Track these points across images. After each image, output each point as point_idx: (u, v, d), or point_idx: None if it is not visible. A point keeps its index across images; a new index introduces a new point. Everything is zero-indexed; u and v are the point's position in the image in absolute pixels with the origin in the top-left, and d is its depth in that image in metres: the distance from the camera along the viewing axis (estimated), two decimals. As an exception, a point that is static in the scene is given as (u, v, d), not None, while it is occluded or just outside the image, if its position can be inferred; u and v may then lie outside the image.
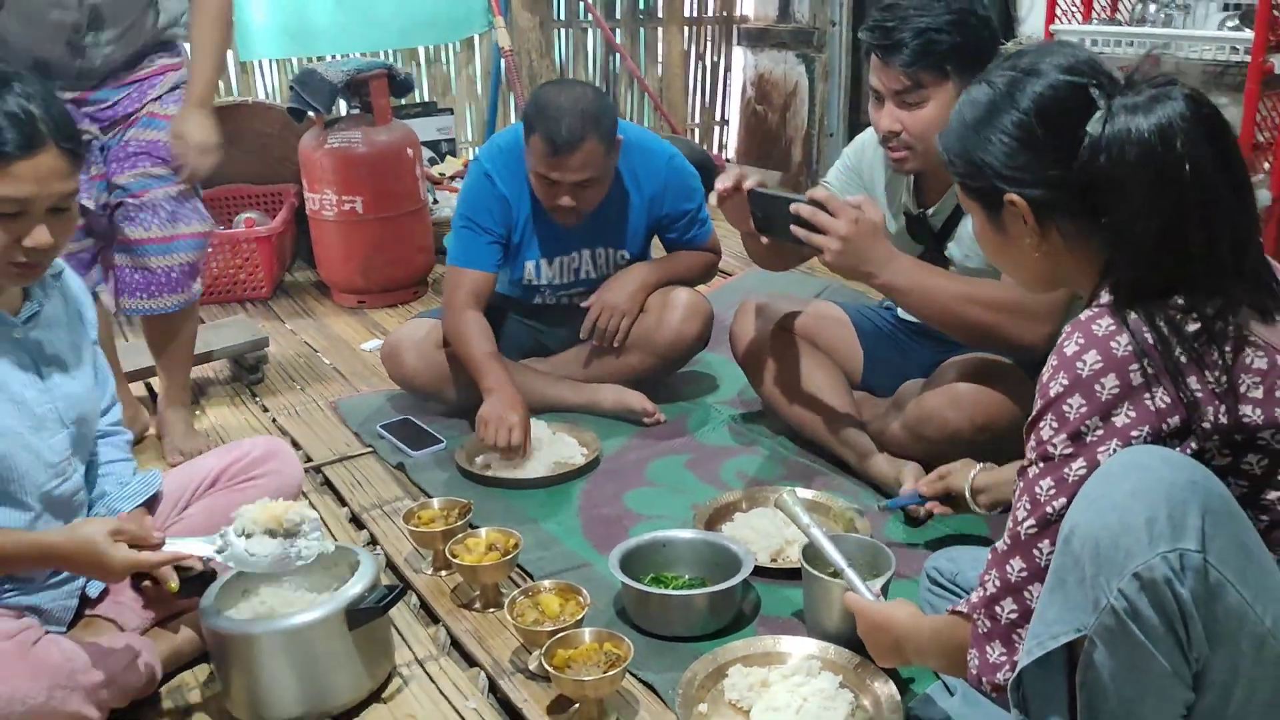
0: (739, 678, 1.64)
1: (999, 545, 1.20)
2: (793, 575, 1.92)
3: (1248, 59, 2.66)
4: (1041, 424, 1.17)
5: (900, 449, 2.23)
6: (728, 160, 5.71)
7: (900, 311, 2.42)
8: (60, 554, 1.53)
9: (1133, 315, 1.15)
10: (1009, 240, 1.30)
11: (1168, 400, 1.12)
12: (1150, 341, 1.13)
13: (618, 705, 1.64)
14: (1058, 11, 3.36)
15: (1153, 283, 1.16)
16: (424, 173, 3.91)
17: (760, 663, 1.67)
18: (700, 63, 5.70)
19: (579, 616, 1.72)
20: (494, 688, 1.74)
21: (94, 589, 1.76)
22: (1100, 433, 1.13)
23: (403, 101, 4.56)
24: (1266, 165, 2.85)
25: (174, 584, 1.67)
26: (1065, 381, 1.15)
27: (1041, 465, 1.17)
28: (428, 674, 1.76)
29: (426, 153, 4.38)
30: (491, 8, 4.74)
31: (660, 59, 5.52)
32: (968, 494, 1.86)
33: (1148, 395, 1.13)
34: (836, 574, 1.71)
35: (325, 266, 3.85)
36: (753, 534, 2.04)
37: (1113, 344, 1.14)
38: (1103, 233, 1.20)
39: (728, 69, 5.78)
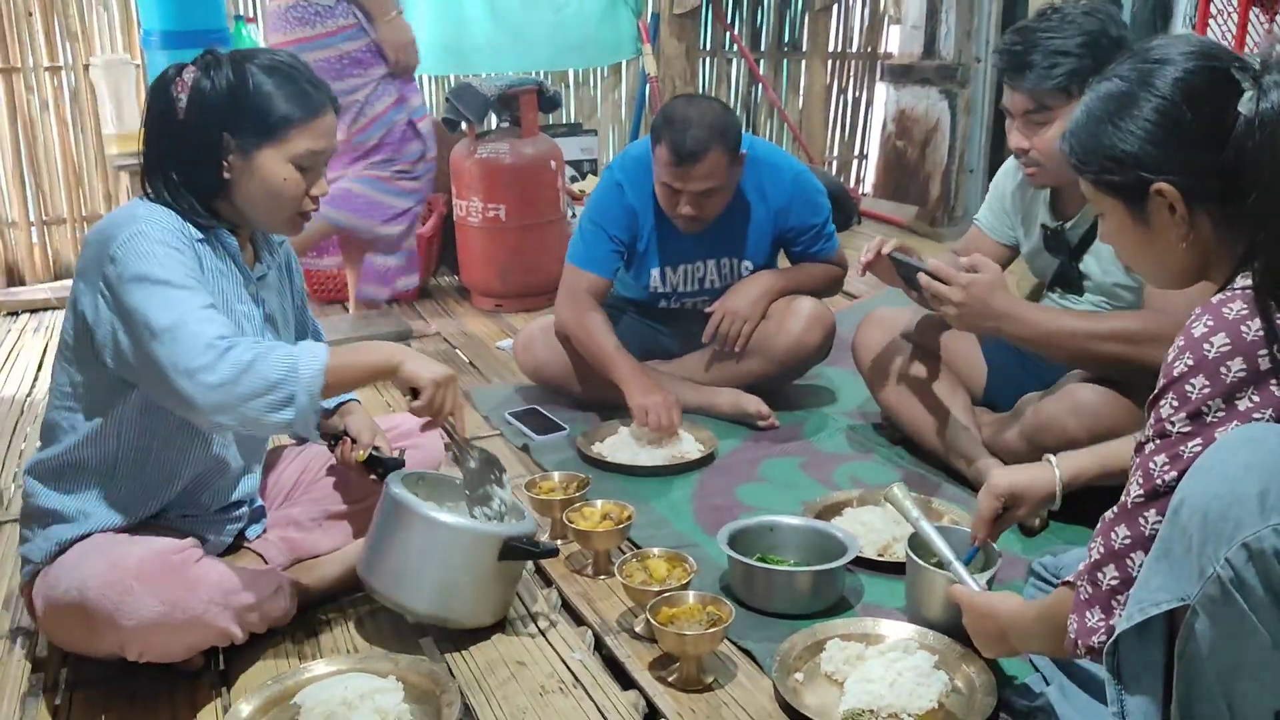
0: (836, 651, 1.68)
1: (1106, 515, 1.22)
2: (898, 570, 1.95)
3: None
4: (1162, 402, 1.18)
5: (1017, 459, 2.23)
6: (864, 195, 5.74)
7: None
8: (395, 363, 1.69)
9: (1269, 301, 1.14)
10: (1153, 235, 1.28)
11: None
12: None
13: (716, 668, 1.70)
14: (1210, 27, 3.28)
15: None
16: (565, 187, 4.09)
17: (858, 640, 1.71)
18: (842, 97, 5.75)
19: (685, 581, 1.79)
20: (599, 645, 1.82)
21: (252, 532, 1.93)
22: (1221, 414, 1.14)
23: (550, 120, 4.77)
24: None
25: (362, 454, 1.87)
26: (1190, 361, 1.15)
27: (1158, 442, 1.18)
28: (539, 628, 1.86)
29: (569, 171, 4.57)
30: (641, 35, 4.93)
31: (802, 91, 5.61)
32: (1059, 487, 1.70)
33: (1275, 382, 1.12)
34: (941, 565, 1.75)
35: (467, 270, 4.05)
36: (861, 529, 2.08)
37: (1243, 328, 1.13)
38: (1244, 219, 1.19)
39: (869, 104, 5.82)
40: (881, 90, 5.72)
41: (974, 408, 2.45)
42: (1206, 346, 1.15)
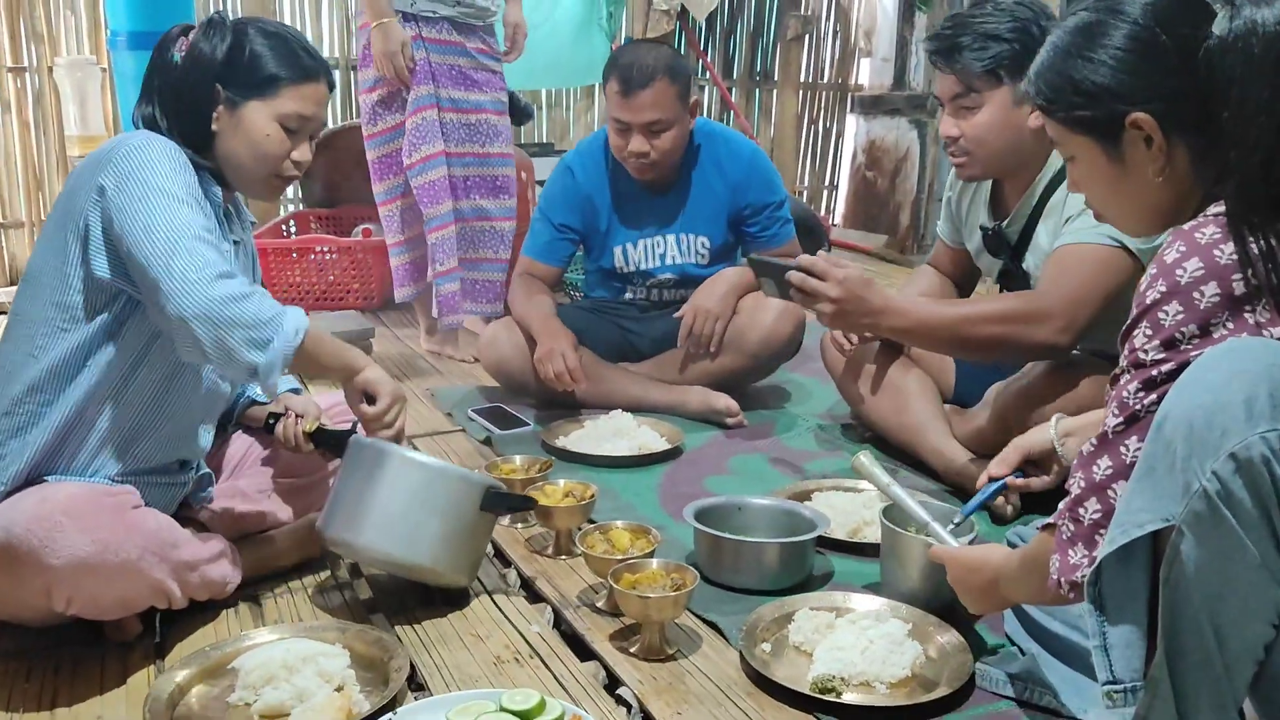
0: (805, 621, 1.61)
1: (1084, 448, 1.17)
2: (869, 551, 1.89)
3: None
4: (1135, 331, 1.13)
5: (988, 447, 2.19)
6: (834, 224, 5.76)
7: None
8: (361, 365, 1.70)
9: (1243, 225, 1.10)
10: (1127, 172, 1.23)
11: (1268, 315, 1.08)
12: (1257, 252, 1.08)
13: (680, 639, 1.63)
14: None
15: (1267, 195, 1.10)
16: (535, 203, 4.05)
17: (828, 611, 1.64)
18: (813, 127, 5.81)
19: (648, 551, 1.72)
20: (559, 622, 1.74)
21: (199, 499, 1.84)
22: (1196, 342, 1.09)
23: (522, 139, 4.76)
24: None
25: (311, 425, 1.81)
26: (1163, 288, 1.11)
27: (1133, 371, 1.14)
28: (496, 604, 1.78)
29: (540, 190, 4.54)
30: (613, 58, 4.95)
31: (773, 120, 5.65)
32: (1056, 442, 1.68)
33: (1249, 308, 1.08)
34: (917, 532, 1.70)
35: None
36: (831, 511, 2.02)
37: (1216, 251, 1.09)
38: (1219, 152, 1.15)
39: (840, 135, 5.88)
40: (852, 121, 5.77)
41: (945, 405, 2.41)
42: (1179, 272, 1.10)
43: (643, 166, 2.68)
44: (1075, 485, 1.17)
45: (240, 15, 3.63)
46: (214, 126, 1.68)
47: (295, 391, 1.97)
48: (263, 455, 1.97)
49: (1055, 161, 2.11)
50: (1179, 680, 1.08)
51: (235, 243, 1.79)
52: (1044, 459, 1.71)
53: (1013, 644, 1.58)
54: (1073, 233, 2.00)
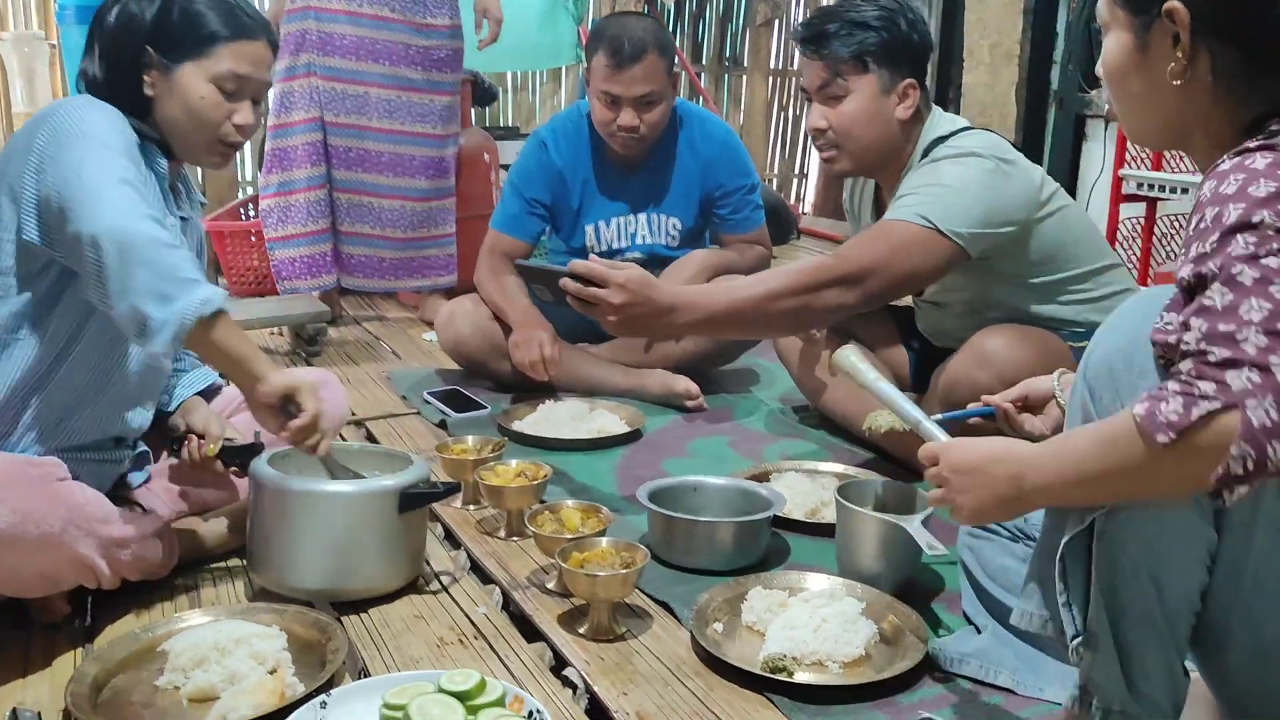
0: (757, 600, 1.57)
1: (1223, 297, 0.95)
2: (827, 532, 1.85)
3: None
4: (1231, 244, 0.96)
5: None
6: (804, 213, 5.73)
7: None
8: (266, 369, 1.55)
9: None
10: (1147, 65, 1.12)
11: None
12: None
13: (629, 619, 1.58)
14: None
15: None
16: (499, 185, 3.99)
17: (782, 589, 1.60)
18: (783, 114, 5.77)
19: (599, 531, 1.68)
20: (508, 604, 1.69)
21: (134, 478, 1.78)
22: None
23: (487, 121, 4.70)
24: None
25: (214, 447, 1.71)
26: (1241, 206, 0.97)
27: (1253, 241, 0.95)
28: (443, 586, 1.73)
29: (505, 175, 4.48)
30: (580, 41, 4.89)
31: (743, 106, 5.61)
32: (1056, 388, 1.54)
33: None
34: (875, 508, 1.66)
35: (395, 264, 3.92)
36: (790, 492, 1.98)
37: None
38: (1252, 75, 1.07)
39: (809, 122, 5.86)
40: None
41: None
42: (1254, 188, 0.97)
43: (630, 141, 2.63)
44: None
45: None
46: (149, 91, 1.62)
47: (215, 390, 1.89)
48: (203, 436, 1.90)
49: (916, 155, 2.09)
50: (1121, 637, 1.07)
51: (183, 219, 1.73)
52: (1039, 405, 1.58)
53: (970, 622, 1.55)
54: (893, 207, 1.99)
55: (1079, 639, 1.10)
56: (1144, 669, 1.08)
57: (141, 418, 1.74)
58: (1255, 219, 0.96)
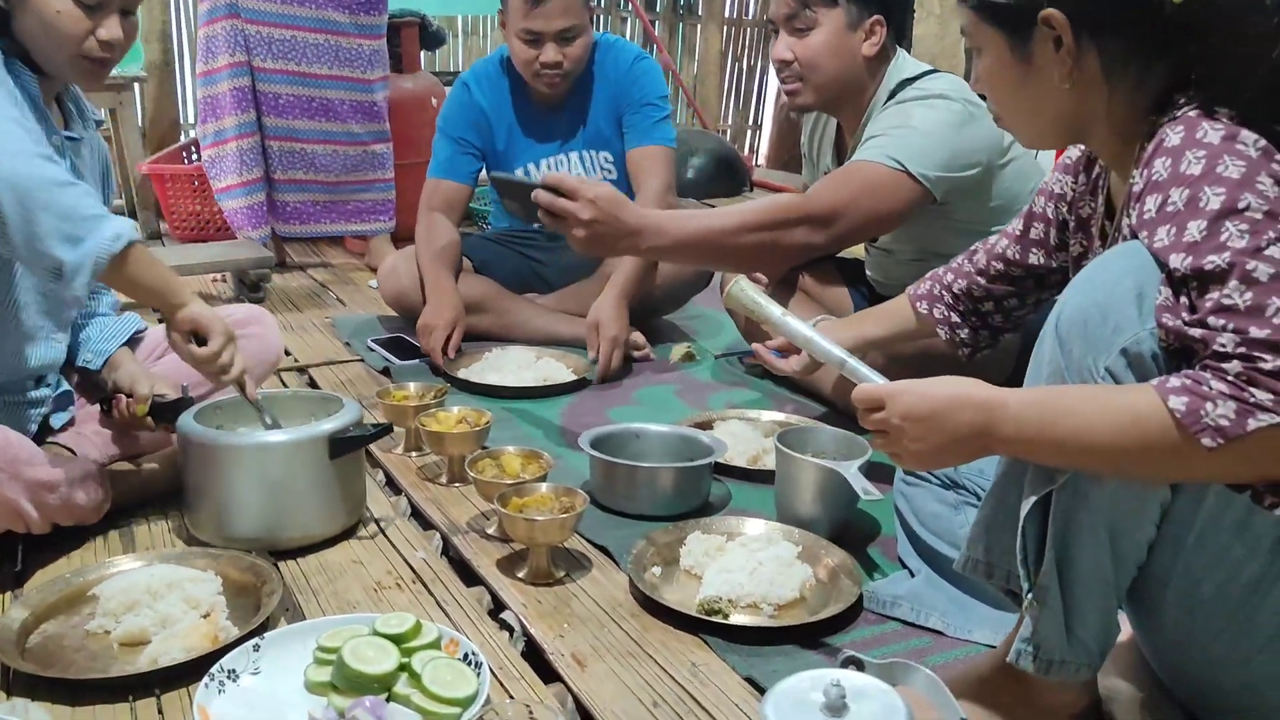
0: (696, 544, 1.58)
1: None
2: (768, 479, 1.86)
3: None
4: (1223, 232, 0.96)
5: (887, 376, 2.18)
6: (757, 165, 5.71)
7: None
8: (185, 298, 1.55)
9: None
10: (1032, 74, 1.15)
11: None
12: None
13: (569, 563, 1.59)
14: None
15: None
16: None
17: (720, 534, 1.62)
18: (737, 64, 5.73)
19: (539, 476, 1.68)
20: (447, 549, 1.69)
21: (58, 420, 1.74)
22: None
23: (436, 66, 4.61)
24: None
25: (144, 407, 1.66)
26: (1221, 190, 0.97)
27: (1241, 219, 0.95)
28: (383, 532, 1.72)
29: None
30: (532, -14, 4.80)
31: (697, 56, 5.56)
32: (809, 331, 1.64)
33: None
34: (815, 455, 1.68)
35: (341, 210, 3.86)
36: (732, 439, 1.99)
37: (1239, 144, 1.00)
38: (1154, 57, 1.09)
39: (764, 73, 5.81)
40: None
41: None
42: (1223, 168, 0.98)
43: (554, 79, 2.59)
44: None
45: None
46: (2, 4, 1.52)
47: (138, 337, 1.86)
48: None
49: (882, 96, 2.09)
50: (1069, 589, 1.08)
51: (71, 138, 1.66)
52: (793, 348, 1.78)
53: (904, 566, 1.58)
54: (862, 149, 2.00)
55: (1032, 594, 1.10)
56: (1084, 618, 1.09)
57: (51, 350, 1.68)
58: (1241, 204, 0.96)
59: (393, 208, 3.45)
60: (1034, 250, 1.48)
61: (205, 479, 1.61)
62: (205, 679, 1.23)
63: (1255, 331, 0.91)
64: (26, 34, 1.54)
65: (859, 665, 1.00)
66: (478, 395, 2.31)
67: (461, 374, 2.40)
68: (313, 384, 2.47)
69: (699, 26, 5.50)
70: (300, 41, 3.13)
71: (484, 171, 2.82)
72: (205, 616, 1.39)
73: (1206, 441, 0.92)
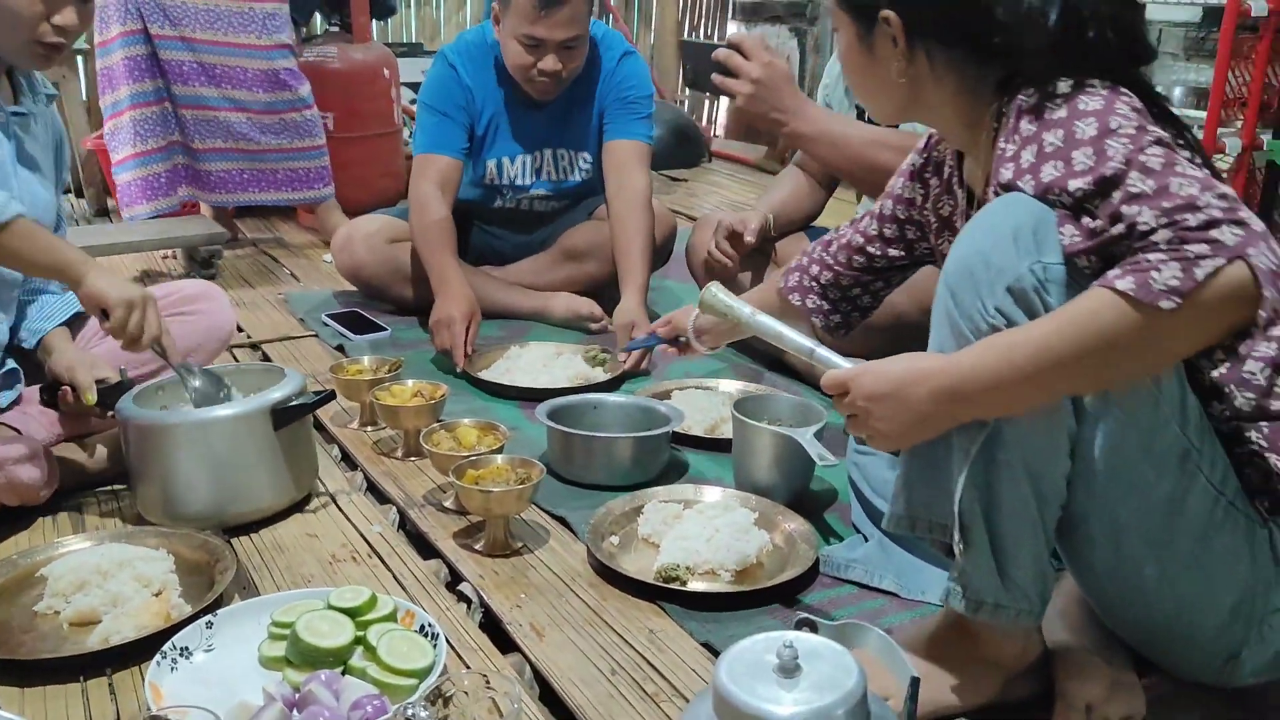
0: (653, 513, 1.59)
1: (1140, 187, 1.00)
2: (726, 447, 1.87)
3: (1224, 2, 2.66)
4: (1108, 148, 1.02)
5: (850, 346, 2.18)
6: (715, 136, 5.69)
7: None
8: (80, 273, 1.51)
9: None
10: (874, 63, 1.25)
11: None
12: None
13: (526, 535, 1.59)
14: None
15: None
16: (402, 106, 3.88)
17: (678, 503, 1.62)
18: (694, 34, 5.69)
19: (496, 448, 1.67)
20: (404, 523, 1.68)
21: (3, 398, 1.71)
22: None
23: (390, 37, 4.54)
24: (1239, 120, 2.83)
25: (91, 395, 1.63)
26: (1092, 119, 1.04)
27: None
28: (338, 506, 1.71)
29: (408, 93, 4.35)
30: (485, -46, 4.74)
31: (653, 26, 5.52)
32: (690, 334, 1.82)
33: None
34: (771, 422, 1.68)
35: (293, 184, 3.80)
36: (690, 408, 1.99)
37: (1118, 104, 1.05)
38: (987, 61, 1.17)
39: (721, 43, 5.80)
40: (732, 28, 5.68)
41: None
42: (1083, 105, 1.06)
43: (550, 87, 2.50)
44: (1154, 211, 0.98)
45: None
46: None
47: (76, 318, 1.81)
48: (87, 346, 1.82)
49: None
50: (996, 531, 1.11)
51: (19, 114, 1.63)
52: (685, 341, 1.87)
53: (858, 531, 1.59)
54: None
55: (959, 534, 1.13)
56: (1016, 559, 1.12)
57: None
58: (1113, 125, 1.03)
59: (328, 175, 3.34)
60: (891, 246, 1.54)
61: (149, 461, 1.58)
62: (157, 657, 1.22)
63: (1168, 203, 0.97)
64: None
65: (812, 627, 1.00)
66: (505, 399, 2.14)
67: (485, 375, 2.22)
68: (266, 359, 2.44)
69: (655, -4, 5.48)
70: (190, 7, 3.02)
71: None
72: (157, 595, 1.38)
73: (1165, 304, 0.94)
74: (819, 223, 2.52)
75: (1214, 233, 0.94)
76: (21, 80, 1.64)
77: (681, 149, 4.95)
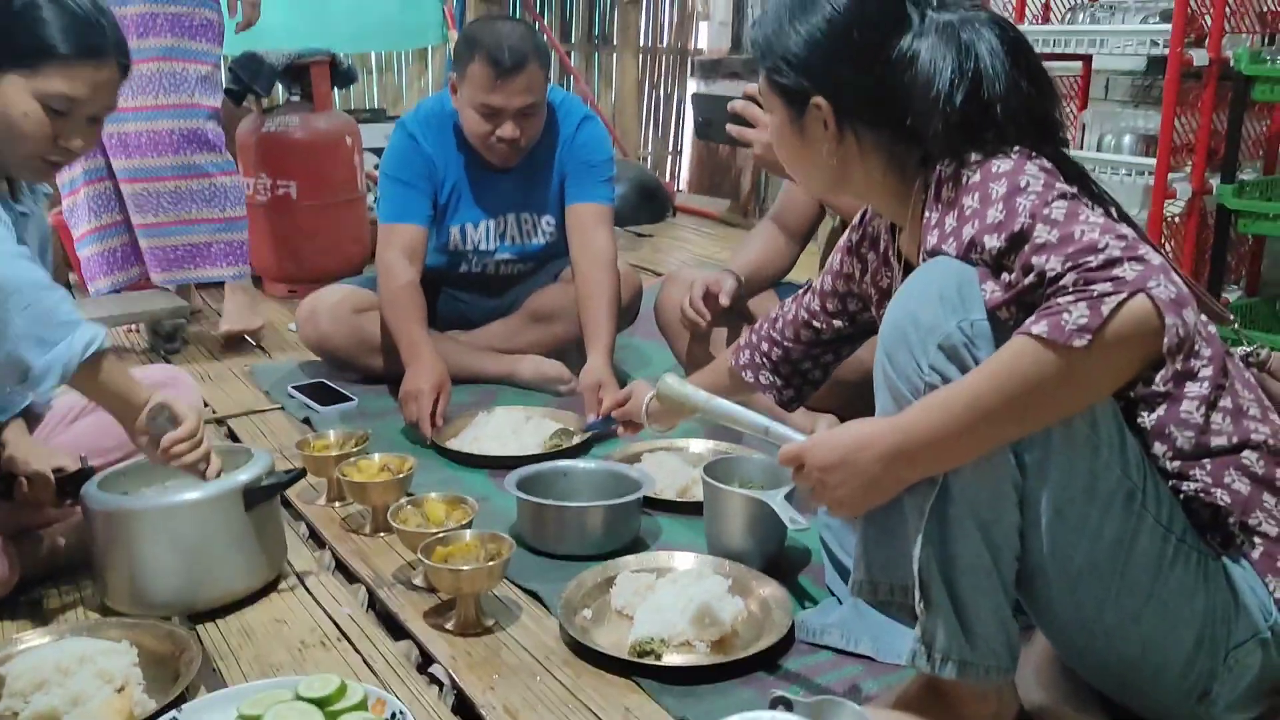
0: (626, 584, 1.57)
1: (1045, 237, 1.05)
2: (698, 510, 1.86)
3: (1166, 52, 2.72)
4: (1017, 204, 1.08)
5: (818, 401, 2.19)
6: (679, 191, 5.75)
7: None
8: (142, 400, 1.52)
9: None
10: (806, 144, 1.29)
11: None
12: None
13: (498, 611, 1.57)
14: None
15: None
16: (365, 171, 3.89)
17: (650, 573, 1.61)
18: (654, 91, 5.77)
19: (465, 522, 1.65)
20: (374, 602, 1.65)
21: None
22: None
23: (352, 104, 4.57)
24: (1188, 166, 2.89)
25: (49, 489, 1.60)
26: (1002, 181, 1.11)
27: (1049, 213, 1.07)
28: (306, 588, 1.68)
29: (371, 159, 4.36)
30: (447, 21, 4.79)
31: (614, 85, 5.59)
32: (644, 415, 1.80)
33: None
34: (742, 485, 1.68)
35: (257, 254, 3.75)
36: (660, 471, 1.99)
37: (1028, 166, 1.13)
38: (889, 144, 1.25)
39: (681, 99, 5.86)
40: (692, 85, 5.76)
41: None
42: (995, 169, 1.13)
43: (509, 154, 2.52)
44: (1055, 255, 1.04)
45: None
46: None
47: (35, 411, 1.79)
48: (50, 436, 1.80)
49: None
50: (954, 586, 1.12)
51: (23, 214, 1.63)
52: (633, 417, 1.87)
53: (832, 594, 1.58)
54: None
55: (920, 593, 1.15)
56: (978, 613, 1.14)
57: None
58: (1022, 183, 1.10)
59: (243, 251, 3.12)
60: (835, 319, 1.61)
61: (115, 547, 1.55)
62: (120, 758, 1.18)
63: (1072, 248, 1.02)
64: None
65: (788, 705, 1.00)
66: (475, 468, 2.13)
67: (453, 444, 2.21)
68: (232, 435, 2.41)
69: (614, 55, 5.53)
70: (132, 74, 2.90)
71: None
72: (120, 690, 1.34)
73: (1077, 342, 0.98)
74: (791, 275, 2.54)
75: (1115, 270, 0.99)
76: (22, 183, 1.64)
77: (646, 205, 5.00)
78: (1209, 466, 1.15)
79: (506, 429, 2.28)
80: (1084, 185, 1.17)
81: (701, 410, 1.47)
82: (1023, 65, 1.19)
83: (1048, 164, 1.14)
